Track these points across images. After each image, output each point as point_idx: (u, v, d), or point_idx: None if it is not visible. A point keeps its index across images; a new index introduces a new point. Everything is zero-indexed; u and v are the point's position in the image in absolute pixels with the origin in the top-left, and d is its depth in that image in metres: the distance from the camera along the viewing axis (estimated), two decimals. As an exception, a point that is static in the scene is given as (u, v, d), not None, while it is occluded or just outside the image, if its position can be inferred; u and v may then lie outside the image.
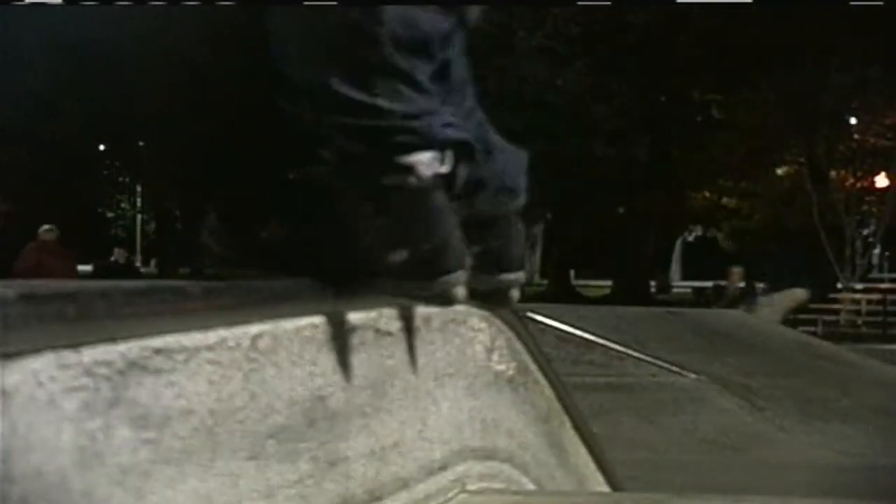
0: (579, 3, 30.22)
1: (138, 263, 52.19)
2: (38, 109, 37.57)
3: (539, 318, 7.36)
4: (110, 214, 50.82)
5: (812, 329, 22.42)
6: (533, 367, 2.88)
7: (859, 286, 29.56)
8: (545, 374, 2.95)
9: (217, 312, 1.58)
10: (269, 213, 2.04)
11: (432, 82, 1.87)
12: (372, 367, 2.04)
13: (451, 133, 1.88)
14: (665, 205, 35.35)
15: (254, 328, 1.65)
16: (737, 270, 23.49)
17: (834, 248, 30.30)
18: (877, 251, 34.09)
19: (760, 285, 25.19)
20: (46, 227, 14.60)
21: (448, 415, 2.39)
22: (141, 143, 41.60)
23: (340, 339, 1.93)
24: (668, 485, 4.74)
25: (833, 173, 31.35)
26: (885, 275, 31.94)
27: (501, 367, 2.73)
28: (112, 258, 25.86)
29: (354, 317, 1.99)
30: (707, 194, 37.25)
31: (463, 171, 1.90)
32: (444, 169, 1.88)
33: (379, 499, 2.03)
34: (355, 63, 1.82)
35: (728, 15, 28.52)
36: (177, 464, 1.43)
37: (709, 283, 40.16)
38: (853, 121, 31.74)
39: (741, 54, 29.89)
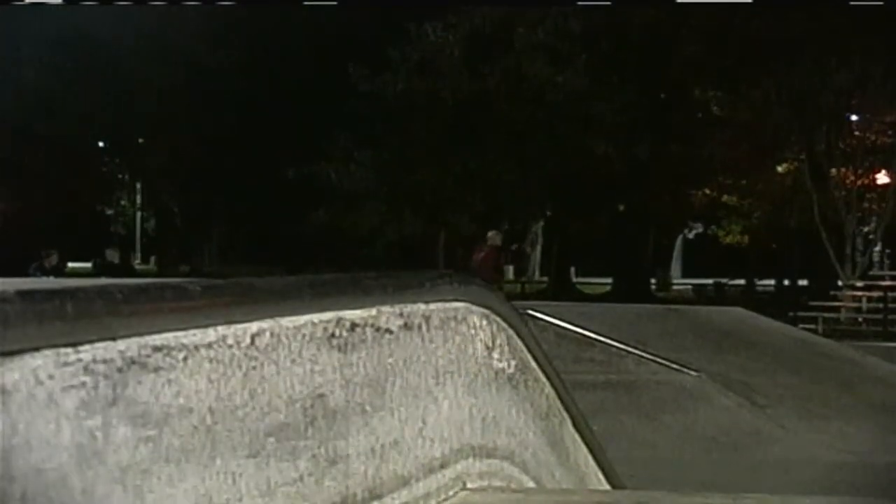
0: (579, 1, 30.16)
1: (137, 261, 52.20)
2: (37, 107, 37.58)
3: (539, 315, 7.36)
4: (110, 212, 50.82)
5: (813, 326, 22.40)
6: (533, 364, 2.88)
7: (860, 283, 29.53)
8: (545, 372, 2.94)
9: (217, 310, 1.58)
10: None
11: None
12: (372, 365, 2.04)
13: None
14: (665, 202, 35.33)
15: (253, 326, 1.65)
16: None
17: (834, 245, 30.28)
18: (877, 248, 34.05)
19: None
20: (492, 232, 17.82)
21: (448, 413, 2.39)
22: (140, 141, 41.60)
23: (340, 336, 1.93)
24: (668, 482, 4.74)
25: (833, 171, 31.32)
26: (886, 272, 31.88)
27: (502, 365, 2.73)
28: (107, 258, 25.86)
29: (354, 314, 1.99)
30: (707, 192, 37.20)
31: None
32: None
33: (379, 497, 2.02)
34: None
35: (728, 13, 28.50)
36: (176, 462, 1.43)
37: (709, 281, 40.20)
38: (854, 118, 31.70)
39: (741, 51, 29.88)
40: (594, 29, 31.04)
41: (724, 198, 37.17)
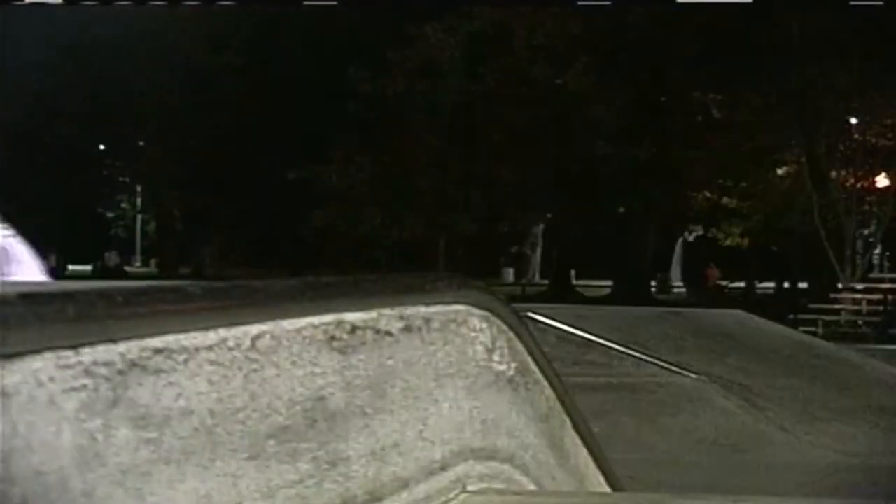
0: (579, 2, 30.17)
1: (138, 263, 52.20)
2: (37, 108, 37.56)
3: (539, 318, 7.36)
4: (110, 214, 50.85)
5: (813, 329, 22.41)
6: (533, 367, 2.88)
7: (860, 286, 29.54)
8: (545, 374, 2.94)
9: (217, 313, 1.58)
10: None
11: None
12: (372, 368, 2.04)
13: None
14: (665, 205, 35.34)
15: (254, 329, 1.65)
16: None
17: (834, 248, 30.28)
18: (877, 251, 34.07)
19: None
20: None
21: (448, 415, 2.39)
22: (141, 143, 41.59)
23: (341, 339, 1.93)
24: (668, 485, 4.74)
25: (833, 173, 31.32)
26: (886, 275, 31.89)
27: (502, 368, 2.73)
28: (106, 260, 25.84)
29: (354, 317, 1.99)
30: (707, 194, 37.21)
31: None
32: None
33: (379, 499, 2.02)
34: None
35: (728, 14, 28.52)
36: (177, 464, 1.43)
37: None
38: (854, 120, 31.70)
39: (741, 53, 29.89)
40: (594, 31, 31.03)
41: (724, 200, 37.18)
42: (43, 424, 1.22)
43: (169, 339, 1.45)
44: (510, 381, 2.77)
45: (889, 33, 26.60)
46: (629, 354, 7.84)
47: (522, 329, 2.86)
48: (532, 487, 2.76)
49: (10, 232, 3.43)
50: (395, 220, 33.25)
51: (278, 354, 1.72)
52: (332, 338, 1.90)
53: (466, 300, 2.58)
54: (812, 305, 28.37)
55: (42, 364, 1.24)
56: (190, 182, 38.92)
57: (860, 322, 27.50)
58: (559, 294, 35.74)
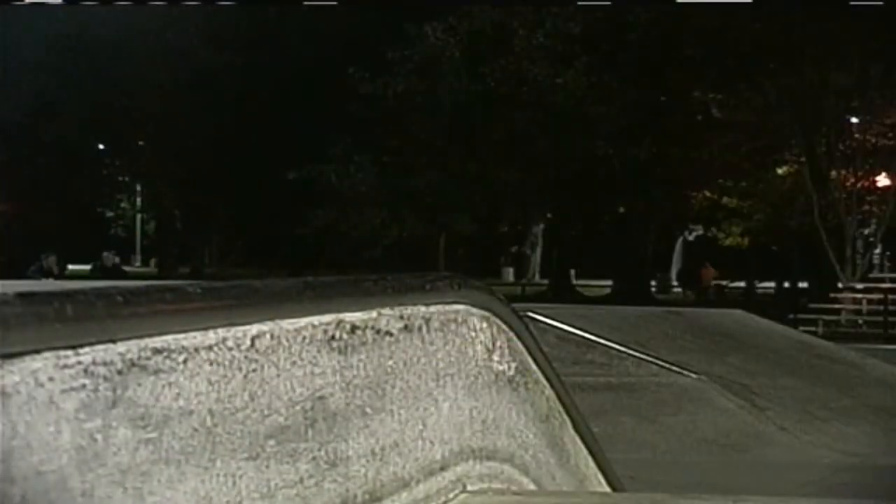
0: (579, 2, 30.17)
1: (138, 263, 52.19)
2: (37, 108, 37.55)
3: (539, 317, 7.35)
4: (110, 214, 50.85)
5: (813, 329, 22.40)
6: (533, 366, 2.88)
7: (860, 286, 29.52)
8: (545, 374, 2.94)
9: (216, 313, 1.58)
10: None
11: None
12: (372, 367, 2.04)
13: None
14: (665, 205, 35.33)
15: (253, 328, 1.65)
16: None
17: (835, 247, 30.26)
18: (877, 251, 34.05)
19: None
20: None
21: (448, 415, 2.38)
22: (141, 143, 41.56)
23: (340, 339, 1.93)
24: (668, 484, 4.74)
25: (834, 173, 31.30)
26: (886, 274, 31.86)
27: (502, 367, 2.73)
28: (104, 261, 25.83)
29: (354, 317, 1.99)
30: (707, 194, 37.21)
31: None
32: None
33: (379, 499, 2.02)
34: None
35: (728, 14, 28.50)
36: (177, 464, 1.43)
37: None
38: (854, 120, 31.68)
39: (741, 53, 29.87)
40: (594, 30, 31.01)
41: (724, 200, 37.16)
42: (42, 424, 1.22)
43: (168, 340, 1.45)
44: (510, 381, 2.76)
45: (889, 33, 26.59)
46: (629, 354, 7.83)
47: (522, 329, 2.86)
48: (532, 487, 2.75)
49: None
50: (395, 220, 33.24)
51: (278, 354, 1.72)
52: (332, 338, 1.90)
53: (466, 300, 2.58)
54: (812, 305, 28.36)
55: (41, 364, 1.24)
56: (190, 182, 38.91)
57: (860, 322, 27.48)
58: (559, 294, 35.74)
